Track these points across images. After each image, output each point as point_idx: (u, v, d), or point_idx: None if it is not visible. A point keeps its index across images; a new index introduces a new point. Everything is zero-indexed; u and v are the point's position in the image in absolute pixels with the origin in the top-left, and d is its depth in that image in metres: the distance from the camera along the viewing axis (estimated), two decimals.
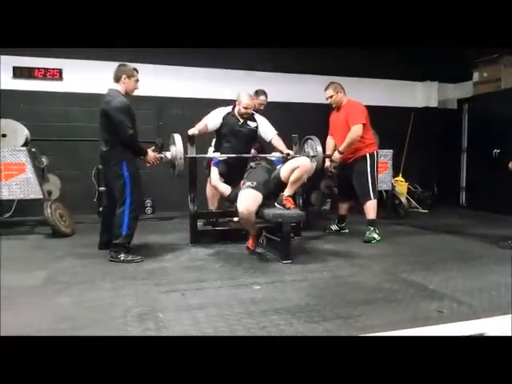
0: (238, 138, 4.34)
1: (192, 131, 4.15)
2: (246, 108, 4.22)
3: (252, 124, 4.38)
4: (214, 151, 4.47)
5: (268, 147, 4.67)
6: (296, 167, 3.55)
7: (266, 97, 4.99)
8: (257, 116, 4.45)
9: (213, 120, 4.34)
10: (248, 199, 3.46)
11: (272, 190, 3.63)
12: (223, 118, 4.33)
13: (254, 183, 3.58)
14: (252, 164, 3.94)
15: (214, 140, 4.59)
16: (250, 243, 3.74)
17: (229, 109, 4.39)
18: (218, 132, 4.44)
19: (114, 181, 3.51)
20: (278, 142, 4.46)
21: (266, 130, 4.43)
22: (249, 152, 4.45)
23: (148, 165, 3.77)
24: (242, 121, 4.32)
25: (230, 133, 4.33)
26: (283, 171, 3.63)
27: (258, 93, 4.92)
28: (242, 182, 3.81)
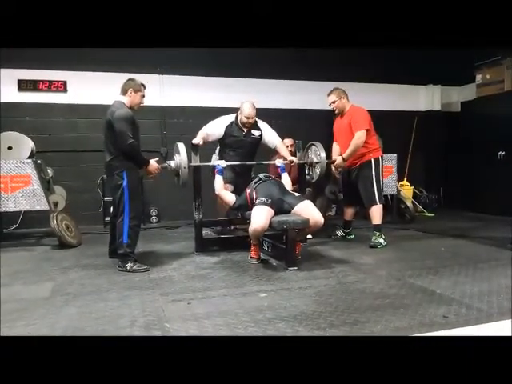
0: (242, 148, 4.33)
1: (197, 141, 4.15)
2: (247, 118, 4.20)
3: (256, 133, 4.36)
4: (218, 160, 4.47)
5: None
6: (309, 224, 3.50)
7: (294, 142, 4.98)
8: (260, 123, 4.44)
9: (215, 129, 4.31)
10: (262, 217, 3.46)
11: (283, 211, 3.61)
12: (226, 128, 4.31)
13: (269, 200, 3.55)
14: (261, 176, 3.92)
15: (217, 148, 4.60)
16: (252, 253, 3.74)
17: (232, 118, 4.36)
18: (221, 142, 4.43)
19: (114, 190, 3.54)
20: (282, 149, 4.47)
21: (271, 137, 4.43)
22: (253, 160, 4.45)
23: (150, 176, 3.78)
24: (245, 130, 4.32)
25: (234, 143, 4.32)
26: (297, 210, 3.58)
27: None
28: (249, 190, 3.81)
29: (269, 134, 4.43)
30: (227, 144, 4.36)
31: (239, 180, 4.32)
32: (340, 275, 3.25)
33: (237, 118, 4.33)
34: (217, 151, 4.59)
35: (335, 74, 6.16)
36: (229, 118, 4.36)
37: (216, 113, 4.60)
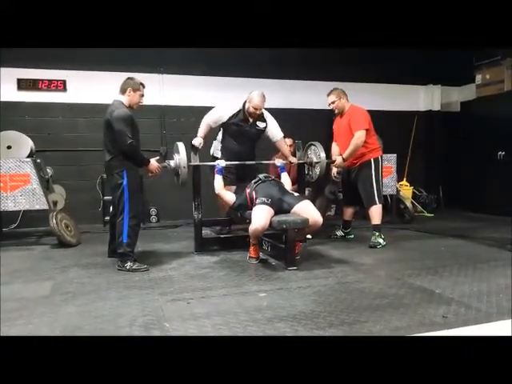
0: (245, 138, 4.30)
1: (197, 141, 4.11)
2: (255, 109, 4.14)
3: (261, 125, 4.32)
4: (221, 149, 4.43)
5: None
6: (308, 224, 3.49)
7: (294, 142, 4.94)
8: (266, 115, 4.38)
9: (219, 117, 4.24)
10: (263, 217, 3.46)
11: (282, 211, 3.61)
12: (231, 117, 4.24)
13: (269, 200, 3.56)
14: (261, 176, 3.90)
15: (219, 133, 4.51)
16: (252, 252, 3.74)
17: (237, 106, 4.26)
18: (224, 128, 4.37)
19: (114, 189, 3.54)
20: (283, 146, 4.47)
21: (274, 131, 4.41)
22: (254, 151, 4.42)
23: (150, 175, 3.77)
24: (251, 121, 4.26)
25: (238, 132, 4.27)
26: (296, 210, 3.58)
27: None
28: (249, 190, 3.80)
29: (272, 127, 4.39)
30: (230, 132, 4.31)
31: (241, 171, 4.30)
32: (339, 275, 3.26)
33: (243, 106, 4.23)
34: (218, 137, 4.51)
35: (335, 73, 6.16)
36: (234, 107, 4.27)
37: None
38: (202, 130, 4.26)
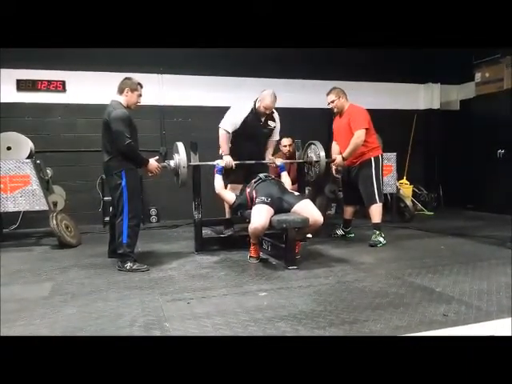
0: (257, 137, 4.26)
1: (229, 162, 4.06)
2: (266, 108, 4.09)
3: (272, 124, 4.29)
4: (231, 149, 4.38)
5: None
6: (309, 223, 3.48)
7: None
8: (276, 115, 4.35)
9: (236, 121, 4.16)
10: (262, 216, 3.46)
11: (282, 210, 3.60)
12: (246, 118, 4.16)
13: (269, 199, 3.56)
14: (261, 175, 3.90)
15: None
16: (252, 252, 3.74)
17: (249, 106, 4.18)
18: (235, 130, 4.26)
19: (113, 190, 3.54)
20: (271, 146, 4.46)
21: (276, 131, 4.40)
22: (264, 150, 4.41)
23: (150, 175, 3.77)
24: (263, 120, 4.21)
25: (250, 133, 4.19)
26: (297, 209, 3.57)
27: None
28: (249, 189, 3.80)
29: (277, 128, 4.38)
30: (242, 132, 4.20)
31: (246, 174, 4.23)
32: (339, 274, 3.26)
33: (254, 105, 4.17)
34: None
35: (335, 72, 6.16)
36: (246, 108, 4.17)
37: (215, 112, 4.58)
38: (225, 144, 4.14)
